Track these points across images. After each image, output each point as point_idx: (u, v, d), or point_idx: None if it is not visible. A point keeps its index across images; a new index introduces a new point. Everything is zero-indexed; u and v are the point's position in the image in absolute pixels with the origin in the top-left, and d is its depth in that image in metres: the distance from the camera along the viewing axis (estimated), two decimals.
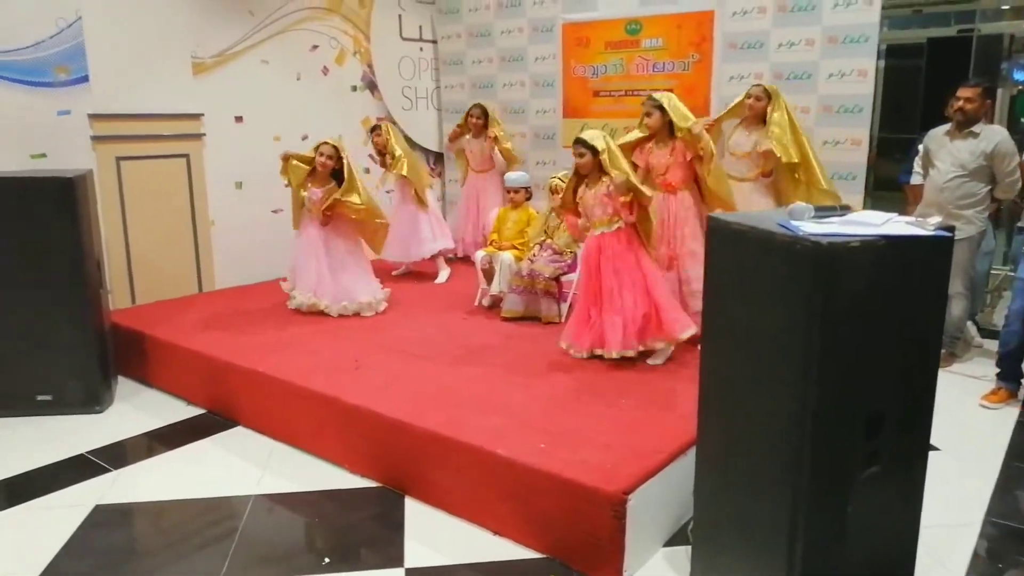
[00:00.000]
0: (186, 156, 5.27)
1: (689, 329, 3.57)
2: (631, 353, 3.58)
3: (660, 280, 3.69)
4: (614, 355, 3.56)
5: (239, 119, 5.55)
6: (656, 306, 3.59)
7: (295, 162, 4.54)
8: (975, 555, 2.67)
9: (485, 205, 5.94)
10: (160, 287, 5.11)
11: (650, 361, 3.64)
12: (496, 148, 5.87)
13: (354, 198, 4.47)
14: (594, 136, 3.58)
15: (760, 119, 4.35)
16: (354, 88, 6.43)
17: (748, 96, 4.39)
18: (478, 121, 5.90)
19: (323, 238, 4.60)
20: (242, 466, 3.37)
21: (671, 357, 3.68)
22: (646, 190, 3.53)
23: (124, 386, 4.30)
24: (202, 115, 5.31)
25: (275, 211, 5.39)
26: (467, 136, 6.01)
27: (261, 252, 5.13)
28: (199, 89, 5.28)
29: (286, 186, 4.62)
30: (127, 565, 2.67)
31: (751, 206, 4.18)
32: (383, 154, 5.54)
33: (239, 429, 3.75)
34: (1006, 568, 2.60)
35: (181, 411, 3.99)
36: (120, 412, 3.98)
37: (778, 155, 4.17)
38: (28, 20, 4.39)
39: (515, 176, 5.01)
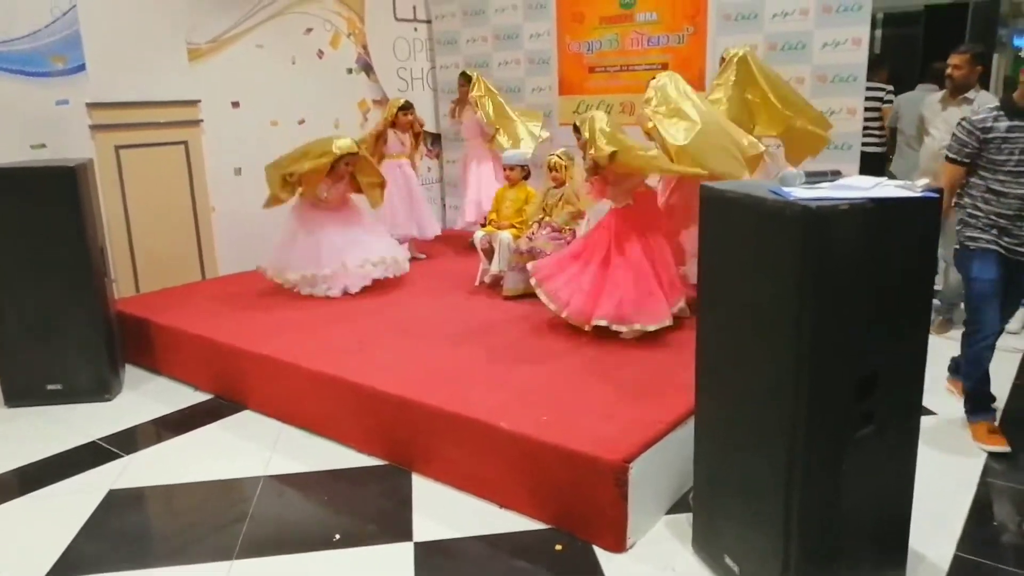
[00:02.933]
0: (184, 143, 5.29)
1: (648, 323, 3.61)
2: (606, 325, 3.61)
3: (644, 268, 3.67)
4: (601, 323, 3.60)
5: (236, 105, 5.56)
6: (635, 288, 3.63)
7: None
8: (971, 514, 2.73)
9: (480, 172, 6.01)
10: (163, 275, 5.15)
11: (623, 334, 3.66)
12: (479, 112, 5.86)
13: None
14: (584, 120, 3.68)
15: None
16: (349, 71, 6.43)
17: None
18: (462, 88, 5.97)
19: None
20: (251, 449, 3.42)
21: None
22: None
23: (132, 374, 4.36)
24: (199, 101, 5.32)
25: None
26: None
27: (262, 238, 5.16)
28: (195, 75, 5.28)
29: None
30: (143, 547, 2.74)
31: None
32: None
33: (247, 413, 3.81)
34: (1002, 528, 2.66)
35: (189, 397, 4.05)
36: (129, 400, 4.04)
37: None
38: (22, 9, 4.38)
39: (512, 154, 5.02)
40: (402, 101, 5.58)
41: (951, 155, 3.19)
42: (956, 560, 2.47)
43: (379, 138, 5.48)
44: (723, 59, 4.52)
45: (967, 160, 3.13)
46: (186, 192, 5.33)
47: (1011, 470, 3.05)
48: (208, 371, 4.07)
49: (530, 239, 4.48)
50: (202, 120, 5.35)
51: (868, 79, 5.67)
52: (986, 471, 3.03)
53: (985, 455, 3.13)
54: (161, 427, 3.72)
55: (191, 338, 4.13)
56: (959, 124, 3.19)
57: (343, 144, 4.57)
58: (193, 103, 5.30)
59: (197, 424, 3.70)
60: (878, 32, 7.74)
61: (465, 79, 5.97)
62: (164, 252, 5.21)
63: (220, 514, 2.93)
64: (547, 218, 4.54)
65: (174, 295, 4.87)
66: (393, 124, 5.52)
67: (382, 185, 4.96)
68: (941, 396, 3.64)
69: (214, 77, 5.38)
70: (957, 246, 3.24)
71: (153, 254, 5.14)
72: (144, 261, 5.10)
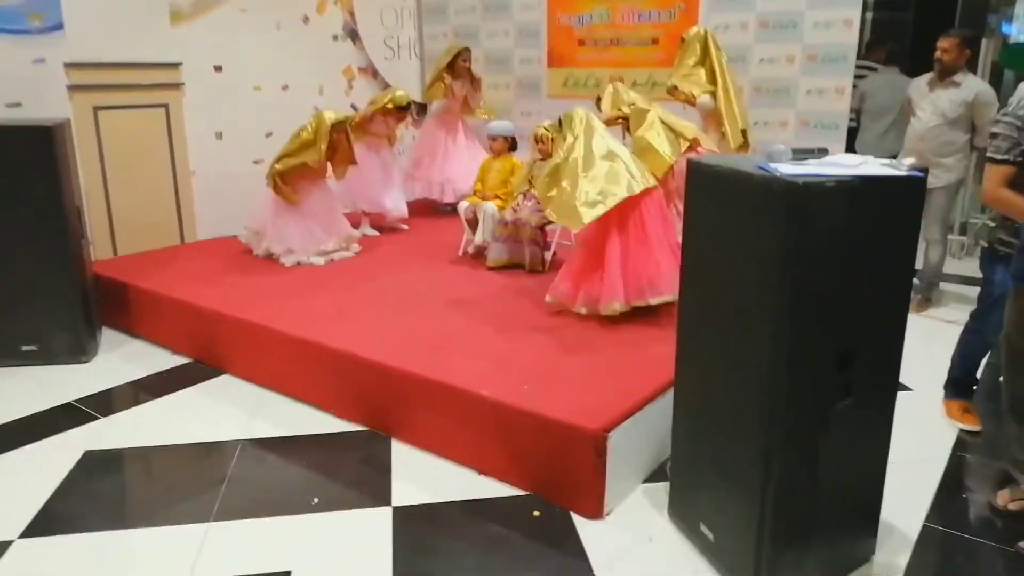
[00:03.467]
0: (165, 106, 5.20)
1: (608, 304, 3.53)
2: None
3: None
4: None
5: (218, 69, 5.46)
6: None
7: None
8: (941, 487, 2.79)
9: (455, 147, 6.04)
10: (141, 238, 5.07)
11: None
12: (478, 92, 5.95)
13: None
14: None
15: None
16: (335, 37, 6.33)
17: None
18: (465, 63, 5.93)
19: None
20: (229, 413, 3.41)
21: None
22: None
23: (108, 337, 4.31)
24: (180, 64, 5.22)
25: (256, 162, 5.36)
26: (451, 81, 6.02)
27: (243, 203, 5.11)
28: (177, 38, 5.18)
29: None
30: (119, 508, 2.73)
31: None
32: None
33: (225, 377, 3.78)
34: (970, 499, 2.72)
35: (166, 360, 4.01)
36: (105, 362, 4.00)
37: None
38: None
39: (498, 124, 4.99)
40: (405, 101, 5.44)
41: (1000, 156, 2.68)
42: (924, 530, 2.53)
43: (368, 121, 5.40)
44: (683, 40, 4.52)
45: (1021, 158, 2.67)
46: (166, 155, 5.25)
47: (981, 445, 3.11)
48: (187, 335, 4.03)
49: (515, 210, 4.47)
50: (183, 83, 5.26)
51: (866, 58, 5.74)
52: (957, 445, 3.08)
53: (957, 430, 3.19)
54: (139, 390, 3.69)
55: (169, 302, 4.08)
56: (999, 120, 2.73)
57: (332, 116, 4.65)
58: (174, 66, 5.20)
59: (175, 388, 3.67)
60: (869, 15, 7.72)
61: (468, 51, 5.96)
62: (142, 215, 5.14)
63: (198, 477, 2.92)
64: (532, 189, 4.51)
65: (152, 258, 4.80)
66: (384, 113, 5.44)
67: (350, 162, 5.00)
68: (917, 372, 3.69)
69: (196, 40, 5.28)
70: (985, 244, 3.02)
71: (131, 217, 5.07)
72: (122, 224, 5.03)
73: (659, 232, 3.56)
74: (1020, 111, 2.63)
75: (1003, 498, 2.61)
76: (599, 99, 4.44)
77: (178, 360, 4.02)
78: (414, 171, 6.12)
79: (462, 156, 6.02)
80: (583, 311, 3.59)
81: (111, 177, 4.94)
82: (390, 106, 5.37)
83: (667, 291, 3.45)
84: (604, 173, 3.46)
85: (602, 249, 3.56)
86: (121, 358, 4.05)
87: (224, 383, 3.74)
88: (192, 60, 5.27)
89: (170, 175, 5.28)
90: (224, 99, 5.47)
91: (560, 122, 3.74)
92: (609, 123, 4.07)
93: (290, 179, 4.66)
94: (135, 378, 3.79)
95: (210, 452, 3.10)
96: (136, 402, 3.56)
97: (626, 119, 4.12)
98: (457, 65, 5.94)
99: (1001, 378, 2.65)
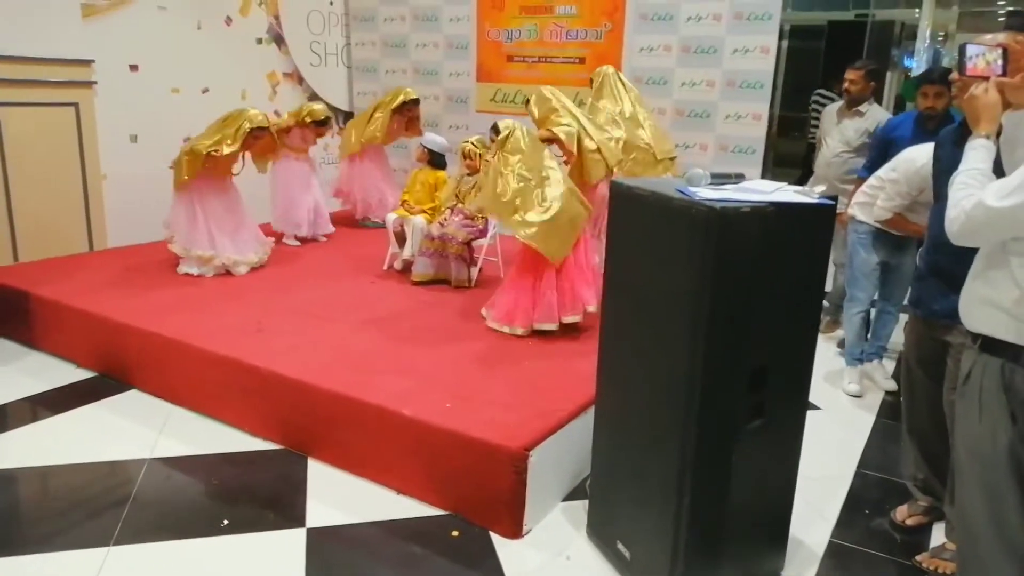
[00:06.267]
0: (75, 105, 4.95)
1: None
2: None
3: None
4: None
5: (134, 68, 5.25)
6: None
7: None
8: (846, 503, 2.90)
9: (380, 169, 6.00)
10: (46, 244, 4.80)
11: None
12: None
13: None
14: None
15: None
16: (259, 41, 6.19)
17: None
18: (412, 114, 5.77)
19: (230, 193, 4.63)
20: (136, 430, 3.25)
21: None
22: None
23: (5, 349, 4.06)
24: (92, 62, 4.99)
25: (172, 167, 5.17)
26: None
27: (157, 209, 4.90)
28: (89, 34, 4.96)
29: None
30: (10, 533, 2.56)
31: None
32: None
33: (133, 393, 3.61)
34: (872, 514, 2.83)
35: (70, 375, 3.80)
36: (1, 375, 3.76)
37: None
38: None
39: (433, 137, 4.95)
40: (324, 116, 5.32)
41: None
42: (830, 546, 2.62)
43: (286, 133, 5.25)
44: (591, 81, 4.58)
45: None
46: (75, 157, 4.99)
47: (884, 462, 3.25)
48: (92, 348, 3.83)
49: (442, 225, 4.44)
50: (95, 82, 5.03)
51: (826, 88, 6.12)
52: (862, 463, 3.22)
53: (861, 449, 3.33)
54: (37, 405, 3.48)
55: (74, 312, 3.87)
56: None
57: (256, 117, 4.48)
58: (86, 63, 4.97)
59: (78, 403, 3.48)
60: (784, 43, 8.08)
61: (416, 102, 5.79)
62: (48, 220, 4.86)
63: (99, 497, 2.77)
64: (460, 204, 4.50)
65: (57, 266, 4.55)
66: (302, 127, 5.32)
67: (272, 154, 4.92)
68: (826, 392, 3.85)
69: (110, 37, 5.07)
70: None
71: (35, 221, 4.79)
72: (24, 228, 4.74)
73: (579, 252, 3.64)
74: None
75: (902, 514, 2.74)
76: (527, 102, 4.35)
77: (82, 374, 3.81)
78: (347, 188, 5.97)
79: (389, 174, 5.98)
80: (519, 332, 3.60)
81: (13, 179, 4.66)
82: (308, 120, 5.26)
83: (587, 306, 3.59)
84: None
85: (539, 270, 3.60)
86: (19, 372, 3.82)
87: (131, 398, 3.56)
88: (105, 58, 5.05)
89: (79, 178, 5.02)
90: (140, 100, 5.26)
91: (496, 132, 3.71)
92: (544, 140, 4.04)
93: (193, 174, 4.44)
94: (33, 393, 3.58)
95: (113, 471, 2.94)
96: (34, 418, 3.35)
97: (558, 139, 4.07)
98: (403, 113, 5.71)
99: (901, 399, 2.78)
